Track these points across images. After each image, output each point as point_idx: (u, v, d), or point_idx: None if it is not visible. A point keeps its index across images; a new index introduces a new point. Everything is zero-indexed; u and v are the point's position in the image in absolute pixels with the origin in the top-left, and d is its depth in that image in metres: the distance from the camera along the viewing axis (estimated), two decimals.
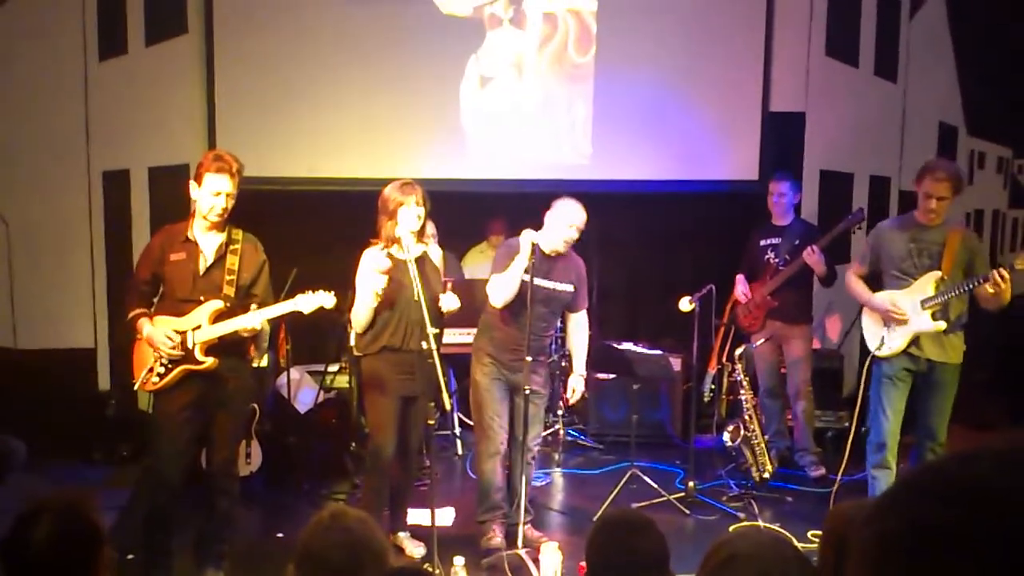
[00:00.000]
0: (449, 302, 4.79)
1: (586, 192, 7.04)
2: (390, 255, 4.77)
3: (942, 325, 5.00)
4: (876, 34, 7.49)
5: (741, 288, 6.43)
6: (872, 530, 0.85)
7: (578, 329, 5.29)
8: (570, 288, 5.06)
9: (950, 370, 5.09)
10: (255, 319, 4.40)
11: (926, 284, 5.02)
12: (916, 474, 0.87)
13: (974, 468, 0.82)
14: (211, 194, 4.36)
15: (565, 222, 4.96)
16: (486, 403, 5.05)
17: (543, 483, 6.27)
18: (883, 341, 5.10)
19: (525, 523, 5.01)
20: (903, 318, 5.02)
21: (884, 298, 5.12)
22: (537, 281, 4.91)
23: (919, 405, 5.17)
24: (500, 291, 4.91)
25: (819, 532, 2.63)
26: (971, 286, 4.90)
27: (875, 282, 5.30)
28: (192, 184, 4.42)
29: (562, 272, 5.04)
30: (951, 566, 0.78)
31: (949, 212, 5.14)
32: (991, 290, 4.78)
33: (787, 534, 5.19)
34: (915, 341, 5.05)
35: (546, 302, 4.99)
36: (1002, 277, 4.75)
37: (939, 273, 5.00)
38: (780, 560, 1.92)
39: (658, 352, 6.30)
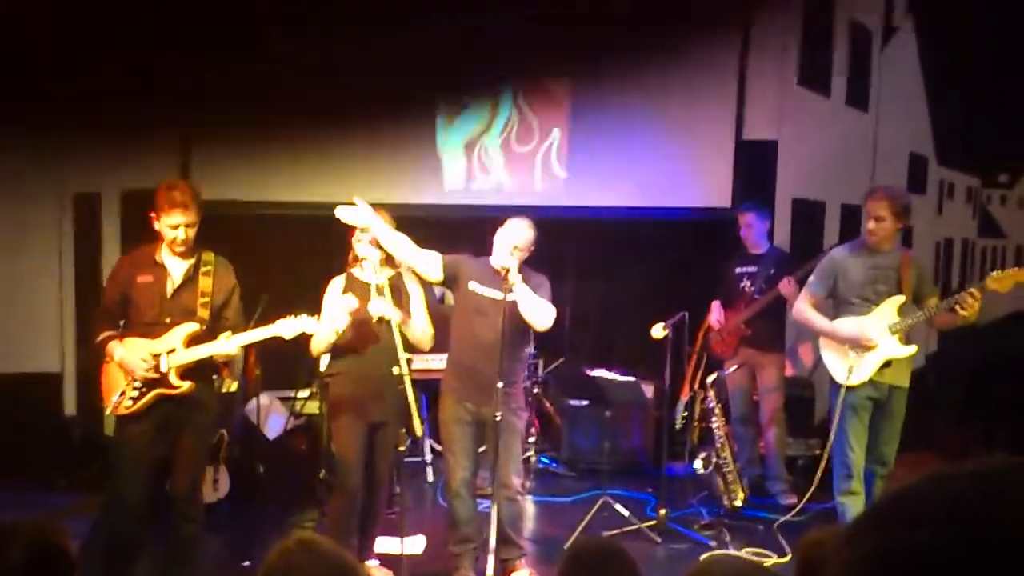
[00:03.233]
0: (418, 326, 4.73)
1: (560, 218, 7.11)
2: (353, 276, 4.79)
3: (914, 349, 5.04)
4: (848, 64, 7.58)
5: (716, 315, 6.44)
6: (844, 556, 0.84)
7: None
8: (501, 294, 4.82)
9: (902, 394, 5.16)
10: (235, 343, 4.36)
11: (890, 309, 5.05)
12: (887, 499, 0.86)
13: (946, 489, 0.81)
14: (169, 228, 4.34)
15: (506, 240, 4.83)
16: (446, 443, 4.98)
17: None
18: (850, 370, 5.10)
19: (516, 559, 4.98)
20: (873, 344, 5.04)
21: (851, 325, 5.13)
22: (486, 292, 4.82)
23: (873, 433, 5.19)
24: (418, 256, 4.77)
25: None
26: (941, 309, 4.94)
27: (827, 309, 5.32)
28: (153, 216, 4.39)
29: (496, 283, 4.83)
30: None
31: (898, 239, 5.18)
32: (963, 311, 4.82)
33: (761, 560, 5.19)
34: (882, 367, 5.07)
35: (500, 313, 4.73)
36: (974, 297, 4.79)
37: (902, 298, 5.04)
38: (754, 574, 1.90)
39: (631, 379, 6.29)
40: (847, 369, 5.11)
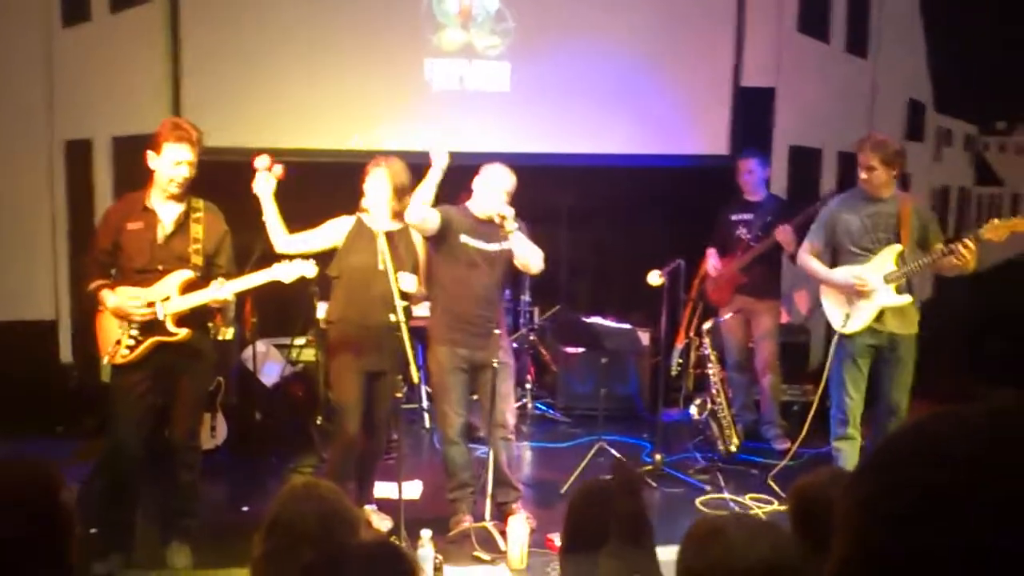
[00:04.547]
0: (407, 282, 4.71)
1: (555, 165, 7.07)
2: (362, 222, 4.79)
3: (908, 299, 5.05)
4: (847, 10, 7.50)
5: (712, 262, 6.44)
6: (854, 494, 0.82)
7: None
8: (508, 246, 4.90)
9: (910, 341, 5.15)
10: (231, 288, 4.34)
11: (887, 258, 5.05)
12: (900, 436, 0.84)
13: (965, 430, 0.79)
14: (171, 164, 4.28)
15: (497, 188, 4.84)
16: (442, 392, 5.01)
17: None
18: (848, 317, 5.12)
19: (513, 502, 5.01)
20: (868, 291, 5.04)
21: (846, 273, 5.14)
22: (477, 244, 4.86)
23: (881, 380, 5.21)
24: (413, 205, 4.66)
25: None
26: (935, 259, 4.94)
27: (827, 259, 5.33)
28: (150, 154, 4.32)
29: (498, 234, 4.89)
30: (940, 529, 0.75)
31: (921, 186, 5.17)
32: (957, 261, 4.82)
33: (760, 507, 5.25)
34: (879, 316, 5.08)
35: (491, 264, 4.88)
36: (967, 248, 4.78)
37: (899, 247, 5.03)
38: (770, 536, 1.90)
39: (626, 326, 6.30)
40: (843, 316, 5.13)
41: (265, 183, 4.61)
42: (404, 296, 4.66)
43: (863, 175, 5.05)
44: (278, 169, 4.64)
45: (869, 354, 5.17)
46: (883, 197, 5.08)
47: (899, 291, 5.05)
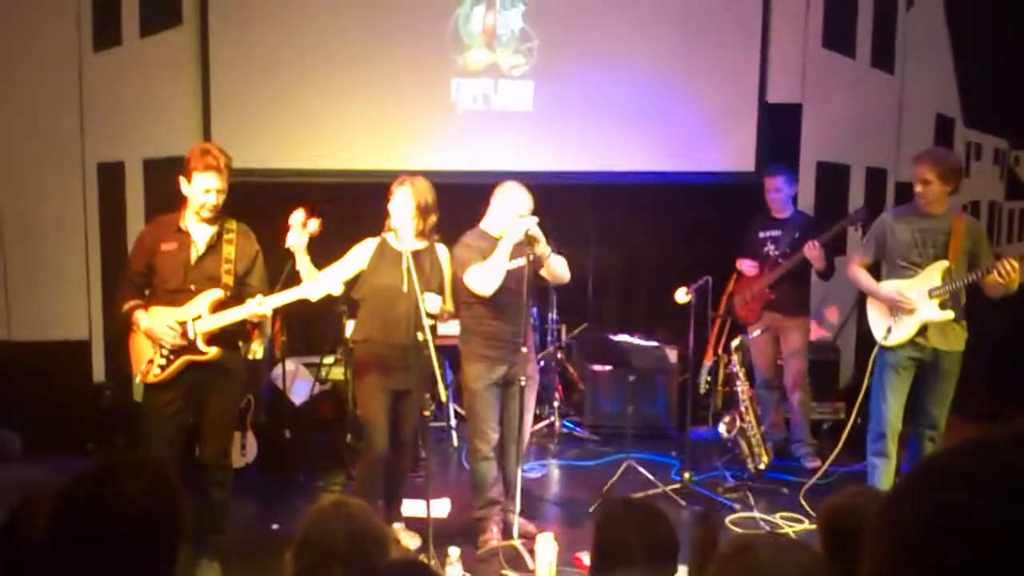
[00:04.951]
0: (431, 303, 4.71)
1: (581, 184, 7.09)
2: (386, 243, 4.82)
3: (950, 315, 5.01)
4: (873, 25, 7.47)
5: (748, 263, 6.38)
6: (889, 515, 0.84)
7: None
8: (523, 261, 4.90)
9: (954, 358, 5.10)
10: (264, 306, 4.39)
11: (933, 273, 5.03)
12: (937, 459, 0.86)
13: (991, 452, 0.80)
14: (201, 191, 4.35)
15: (515, 211, 4.87)
16: (479, 409, 5.01)
17: (539, 475, 6.27)
18: (889, 330, 5.10)
19: (512, 512, 5.02)
20: (911, 307, 5.02)
21: (891, 288, 5.13)
22: (519, 264, 4.87)
23: (921, 394, 5.17)
24: (488, 280, 4.79)
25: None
26: (978, 277, 4.91)
27: (876, 272, 5.32)
28: (182, 180, 4.40)
29: (517, 250, 4.91)
30: (975, 553, 0.76)
31: (952, 202, 5.15)
32: (1001, 280, 4.80)
33: (791, 525, 5.22)
34: (921, 331, 5.05)
35: (517, 281, 4.90)
36: (1012, 266, 4.76)
37: (946, 263, 5.00)
38: (799, 556, 1.90)
39: (654, 343, 6.29)
40: (886, 329, 5.12)
41: (298, 238, 4.57)
42: (430, 315, 4.68)
43: (919, 188, 5.03)
44: (313, 224, 4.56)
45: (911, 368, 5.13)
46: (936, 213, 5.06)
47: (943, 307, 5.02)
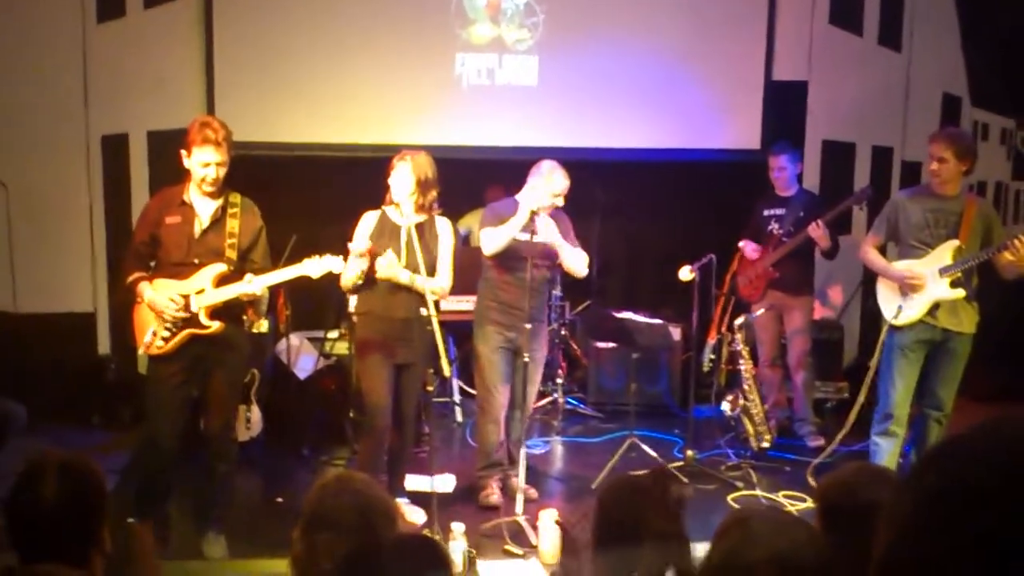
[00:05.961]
0: (427, 285, 4.71)
1: (585, 160, 7.06)
2: (386, 216, 4.82)
3: (961, 293, 4.99)
4: (881, 2, 7.42)
5: (751, 247, 6.36)
6: (907, 489, 0.85)
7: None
8: (554, 240, 5.15)
9: (964, 340, 5.09)
10: (261, 283, 4.39)
11: (944, 253, 5.01)
12: (947, 442, 0.88)
13: (1007, 433, 0.82)
14: (200, 165, 4.34)
15: (550, 191, 5.10)
16: (489, 373, 5.17)
17: (543, 451, 6.29)
18: (900, 310, 5.09)
19: (514, 476, 5.12)
20: (921, 285, 5.01)
21: (902, 267, 5.13)
22: (521, 236, 5.03)
23: (929, 375, 5.16)
24: (491, 242, 5.08)
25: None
26: (990, 255, 4.89)
27: (886, 252, 5.32)
28: (183, 154, 4.39)
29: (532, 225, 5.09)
30: (991, 528, 0.78)
31: (962, 183, 5.13)
32: (1010, 257, 4.78)
33: (795, 504, 5.23)
34: (932, 310, 5.04)
35: (536, 256, 5.07)
36: (1022, 243, 4.73)
37: (957, 242, 4.99)
38: (793, 532, 1.91)
39: (658, 321, 6.29)
40: (896, 308, 5.10)
41: (356, 264, 4.69)
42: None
43: (933, 166, 5.01)
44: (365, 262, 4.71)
45: (921, 349, 5.11)
46: (949, 194, 5.04)
47: (953, 286, 5.00)
